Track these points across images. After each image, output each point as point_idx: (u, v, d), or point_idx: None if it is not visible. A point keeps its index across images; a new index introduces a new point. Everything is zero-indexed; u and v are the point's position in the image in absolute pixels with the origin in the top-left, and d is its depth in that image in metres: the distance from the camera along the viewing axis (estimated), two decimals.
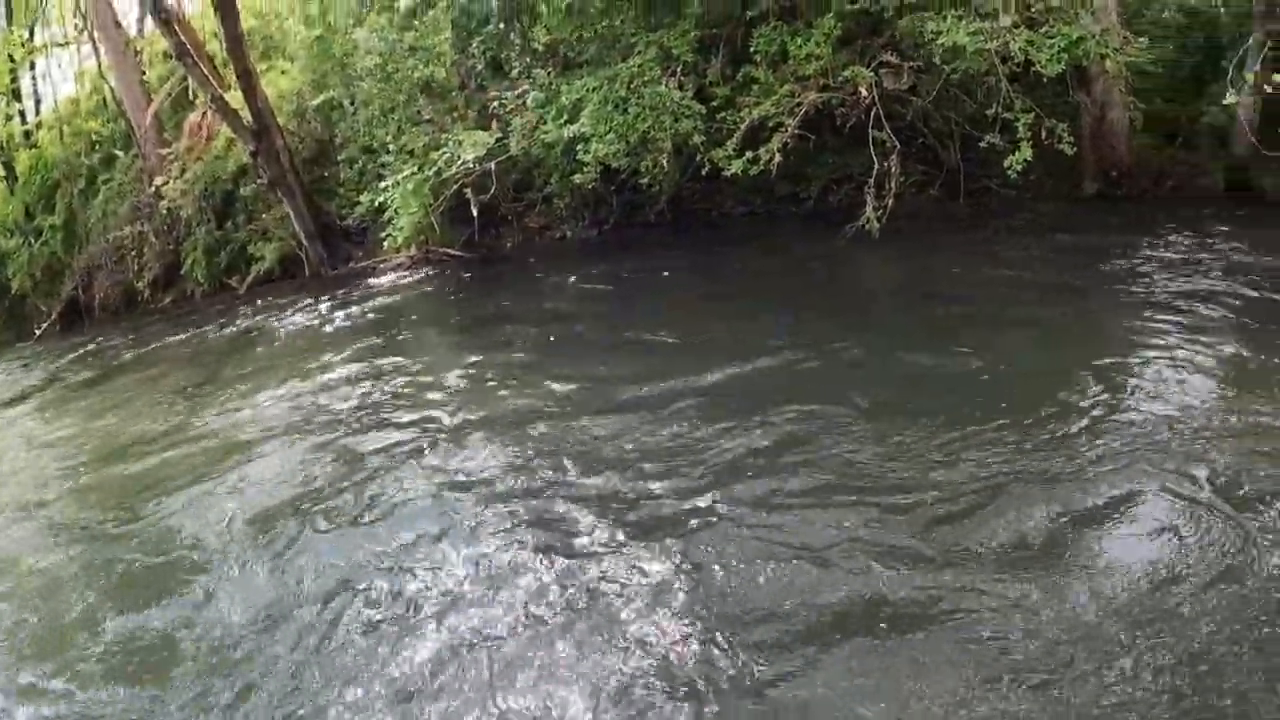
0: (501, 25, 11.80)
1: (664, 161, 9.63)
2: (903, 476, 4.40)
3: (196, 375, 9.48)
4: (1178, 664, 2.97)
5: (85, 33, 18.80)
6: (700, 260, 10.53)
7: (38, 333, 17.36)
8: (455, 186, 11.04)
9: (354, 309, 11.09)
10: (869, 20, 9.34)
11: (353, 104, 13.61)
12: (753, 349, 6.62)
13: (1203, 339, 5.77)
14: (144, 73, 17.70)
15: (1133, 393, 5.07)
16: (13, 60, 19.40)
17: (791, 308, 7.97)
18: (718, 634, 3.45)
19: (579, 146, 9.67)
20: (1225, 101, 8.32)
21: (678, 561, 3.94)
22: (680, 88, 9.59)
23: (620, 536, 4.24)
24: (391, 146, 12.13)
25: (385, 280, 12.64)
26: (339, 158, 14.18)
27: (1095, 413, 4.81)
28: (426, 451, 5.68)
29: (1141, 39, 10.47)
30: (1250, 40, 9.33)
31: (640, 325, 7.91)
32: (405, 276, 12.61)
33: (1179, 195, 10.60)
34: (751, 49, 9.59)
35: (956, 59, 8.93)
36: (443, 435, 5.94)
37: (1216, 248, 8.25)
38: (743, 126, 9.23)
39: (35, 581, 5.05)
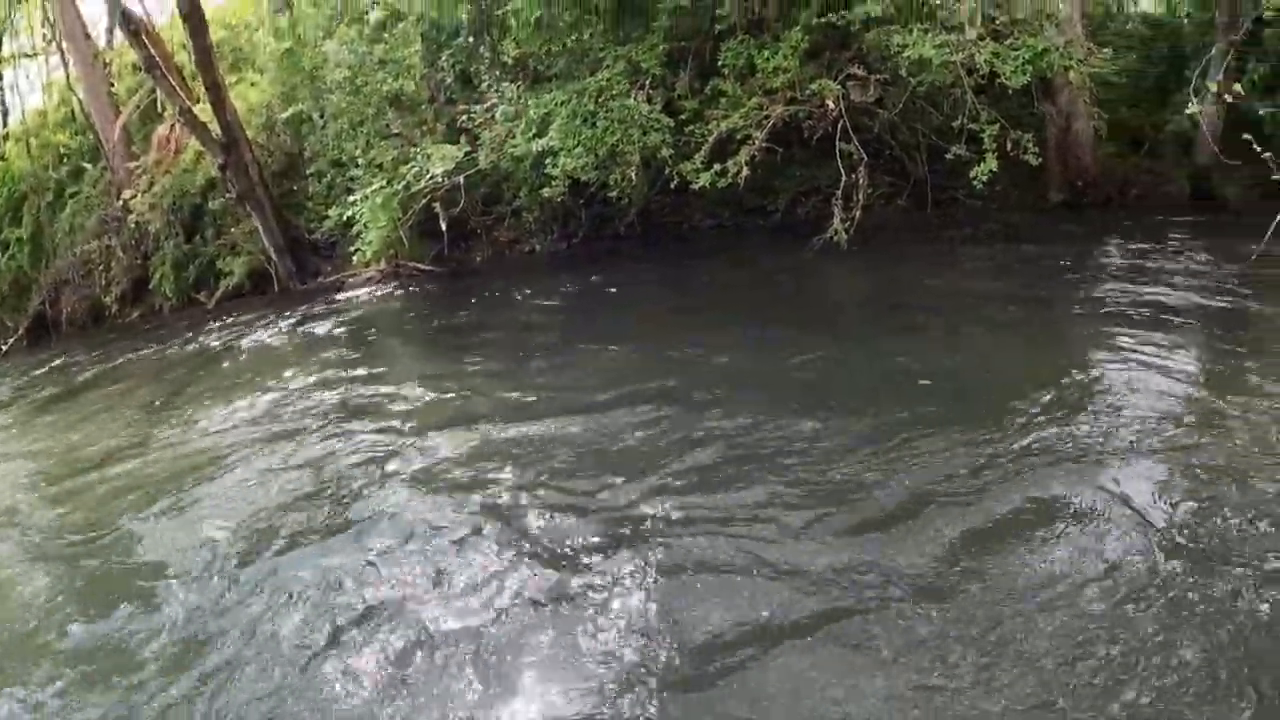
0: (471, 39, 11.81)
1: (632, 175, 9.64)
2: (860, 482, 4.42)
3: (163, 391, 9.35)
4: (1117, 670, 2.99)
5: (54, 43, 18.61)
6: (669, 273, 10.54)
7: (4, 348, 17.07)
8: (424, 200, 11.00)
9: (323, 324, 10.98)
10: (836, 34, 9.38)
11: (322, 117, 13.54)
12: (719, 361, 6.64)
13: (1165, 344, 5.84)
14: (112, 84, 17.53)
15: (1095, 398, 5.10)
16: None
17: (759, 319, 7.98)
18: (672, 634, 3.48)
19: (548, 160, 9.66)
20: (1189, 110, 8.42)
21: (634, 565, 3.97)
22: (649, 101, 9.61)
23: (580, 542, 4.25)
24: (360, 160, 12.07)
25: (354, 295, 12.55)
26: (308, 171, 14.08)
27: (1059, 417, 4.85)
28: (391, 464, 5.65)
29: (1106, 50, 10.61)
30: (1213, 50, 9.46)
31: (608, 338, 7.89)
32: (374, 291, 12.53)
33: (1144, 204, 10.75)
34: (719, 62, 9.63)
35: (923, 71, 9.00)
36: (408, 447, 5.90)
37: (1180, 255, 8.37)
38: (711, 139, 9.26)
39: None
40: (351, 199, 11.25)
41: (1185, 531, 3.68)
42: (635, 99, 9.54)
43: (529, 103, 10.18)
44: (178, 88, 13.90)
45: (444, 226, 11.42)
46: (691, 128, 9.54)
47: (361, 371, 8.31)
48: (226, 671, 3.73)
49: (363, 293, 12.58)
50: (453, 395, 6.96)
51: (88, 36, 17.41)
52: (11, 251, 17.92)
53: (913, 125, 10.71)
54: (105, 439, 7.86)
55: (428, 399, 7.00)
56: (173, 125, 15.49)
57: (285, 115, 14.26)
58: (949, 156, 9.32)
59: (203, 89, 13.79)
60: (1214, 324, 6.33)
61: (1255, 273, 7.13)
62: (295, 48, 13.82)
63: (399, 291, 12.33)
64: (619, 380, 6.48)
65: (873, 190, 9.82)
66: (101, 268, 16.36)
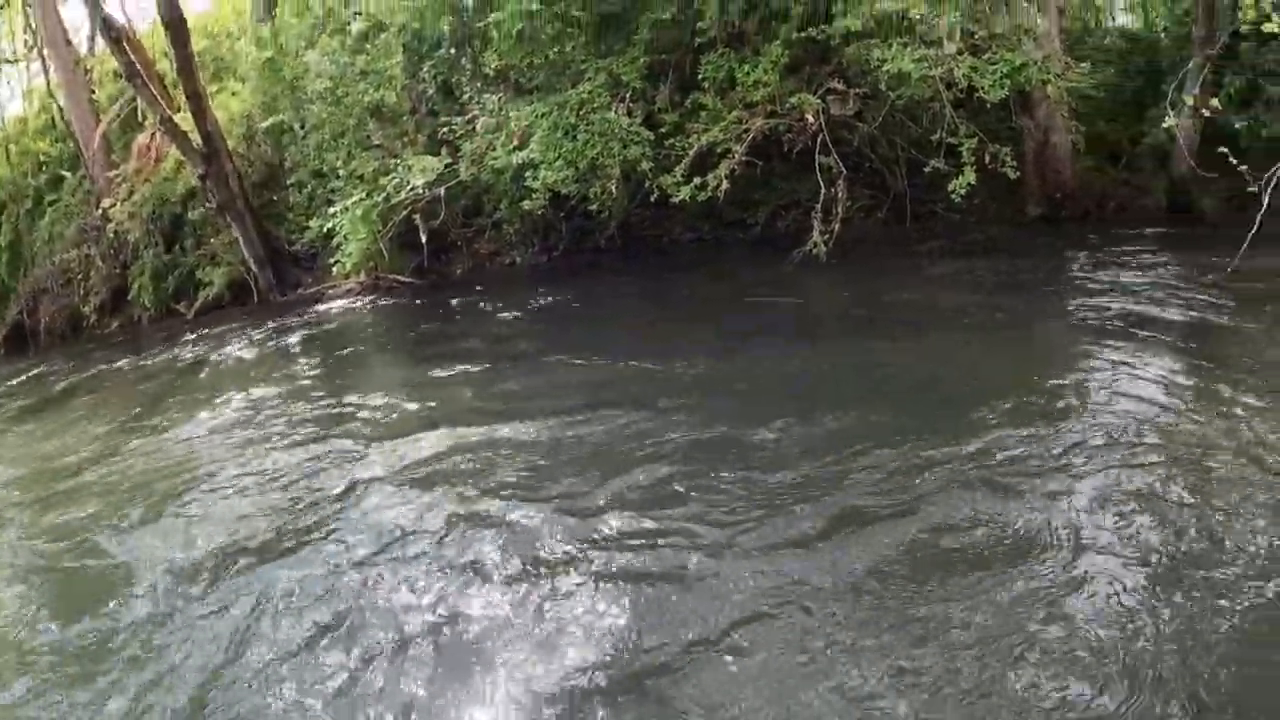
0: (453, 50, 11.81)
1: (613, 188, 9.64)
2: (820, 490, 4.43)
3: (139, 402, 9.25)
4: (1043, 677, 3.01)
5: (35, 49, 18.51)
6: (649, 285, 10.56)
7: None
8: (404, 212, 10.97)
9: (302, 336, 10.93)
10: (816, 48, 9.43)
11: (303, 127, 13.49)
12: (694, 372, 6.67)
13: (1139, 358, 5.86)
14: (93, 92, 17.43)
15: (1067, 412, 5.11)
16: None
17: (737, 333, 7.99)
18: (629, 639, 3.52)
19: (528, 173, 9.65)
20: (1166, 124, 8.49)
21: (595, 571, 4.01)
22: (629, 114, 9.62)
23: (542, 550, 4.27)
24: (341, 171, 12.04)
25: (334, 307, 12.50)
26: (288, 182, 14.02)
27: (1029, 431, 4.86)
28: (361, 473, 5.64)
29: (1083, 64, 10.71)
30: (1190, 64, 9.54)
31: (585, 349, 7.85)
32: (354, 303, 12.48)
33: (1122, 216, 10.84)
34: (700, 76, 9.66)
35: (902, 85, 9.07)
36: (379, 457, 5.88)
37: (1157, 268, 8.42)
38: (691, 153, 9.28)
39: None
40: (332, 210, 11.22)
41: (1143, 545, 3.68)
42: (616, 112, 9.55)
43: (510, 115, 10.17)
44: (159, 96, 13.82)
45: (424, 239, 11.41)
46: (672, 141, 9.56)
47: (338, 383, 8.28)
48: (194, 678, 3.72)
49: (342, 305, 12.53)
50: (426, 406, 6.95)
51: (69, 43, 17.31)
52: None
53: (892, 139, 10.78)
54: (79, 450, 7.77)
55: (402, 410, 6.98)
56: (153, 134, 15.41)
57: (266, 125, 14.19)
58: (928, 170, 9.37)
59: (184, 97, 13.72)
60: (1189, 337, 6.37)
61: (1231, 285, 7.19)
62: (277, 57, 13.79)
63: (379, 303, 12.29)
64: (593, 390, 6.52)
65: (852, 203, 9.87)
66: (80, 277, 16.21)
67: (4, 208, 17.88)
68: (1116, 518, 3.89)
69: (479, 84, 11.32)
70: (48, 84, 18.11)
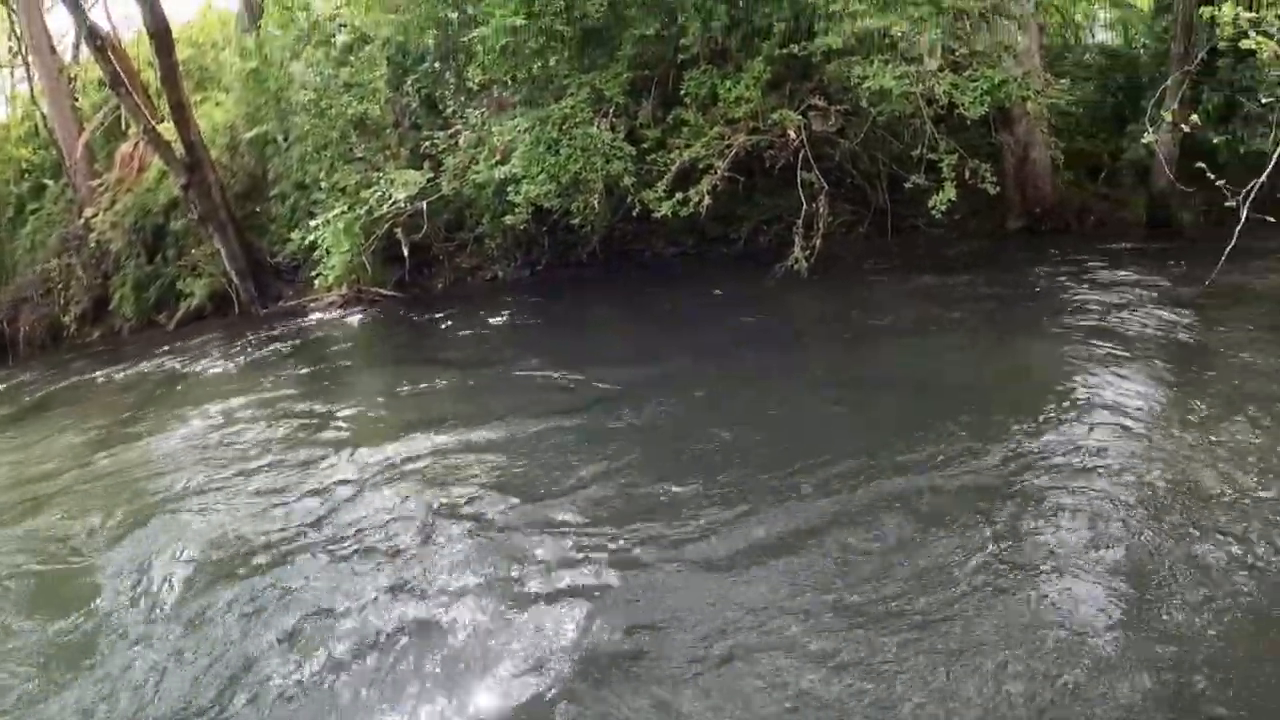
0: (437, 64, 11.81)
1: (595, 202, 9.67)
2: (812, 507, 4.43)
3: (118, 413, 9.21)
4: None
5: (19, 56, 18.43)
6: (631, 301, 10.57)
7: None
8: (387, 226, 10.96)
9: (282, 349, 10.89)
10: (798, 64, 9.45)
11: (286, 139, 13.46)
12: (677, 385, 6.71)
13: (1116, 372, 5.92)
14: (77, 99, 17.37)
15: (1048, 423, 5.16)
16: None
17: (717, 346, 8.02)
18: (595, 639, 3.61)
19: (510, 187, 9.64)
20: (1145, 139, 8.53)
21: (569, 574, 4.08)
22: (612, 129, 9.61)
23: (513, 554, 4.35)
24: (324, 183, 12.01)
25: (315, 320, 12.47)
26: (271, 193, 14.00)
27: (1011, 441, 4.91)
28: (336, 483, 5.67)
29: (1063, 80, 10.81)
30: (1169, 81, 9.61)
31: (566, 365, 7.82)
32: (336, 316, 12.45)
33: (1101, 231, 10.92)
34: (682, 92, 9.67)
35: (883, 102, 9.10)
36: (354, 468, 5.91)
37: (1135, 281, 8.48)
38: (673, 168, 9.29)
39: None
40: (314, 223, 11.18)
41: (1117, 561, 3.71)
42: (598, 127, 9.55)
43: (493, 129, 10.17)
44: (142, 105, 13.81)
45: (406, 252, 11.41)
46: (654, 156, 9.57)
47: (316, 396, 8.27)
48: (158, 685, 3.76)
49: (323, 318, 12.50)
50: (404, 419, 6.96)
51: (54, 50, 17.26)
52: None
53: (873, 154, 10.84)
54: (54, 459, 7.77)
55: (378, 423, 7.02)
56: (136, 143, 15.38)
57: (249, 136, 14.18)
58: (909, 185, 9.40)
59: (167, 107, 13.69)
60: (1165, 352, 6.41)
61: (1207, 300, 7.28)
62: (261, 68, 13.76)
63: (360, 317, 12.26)
64: (571, 404, 6.61)
65: (833, 219, 9.91)
66: (61, 286, 16.18)
67: None
68: (1088, 532, 3.92)
69: (463, 98, 11.30)
70: (31, 91, 18.07)
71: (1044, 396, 5.59)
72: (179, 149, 13.36)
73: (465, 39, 10.72)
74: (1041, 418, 5.24)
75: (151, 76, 15.15)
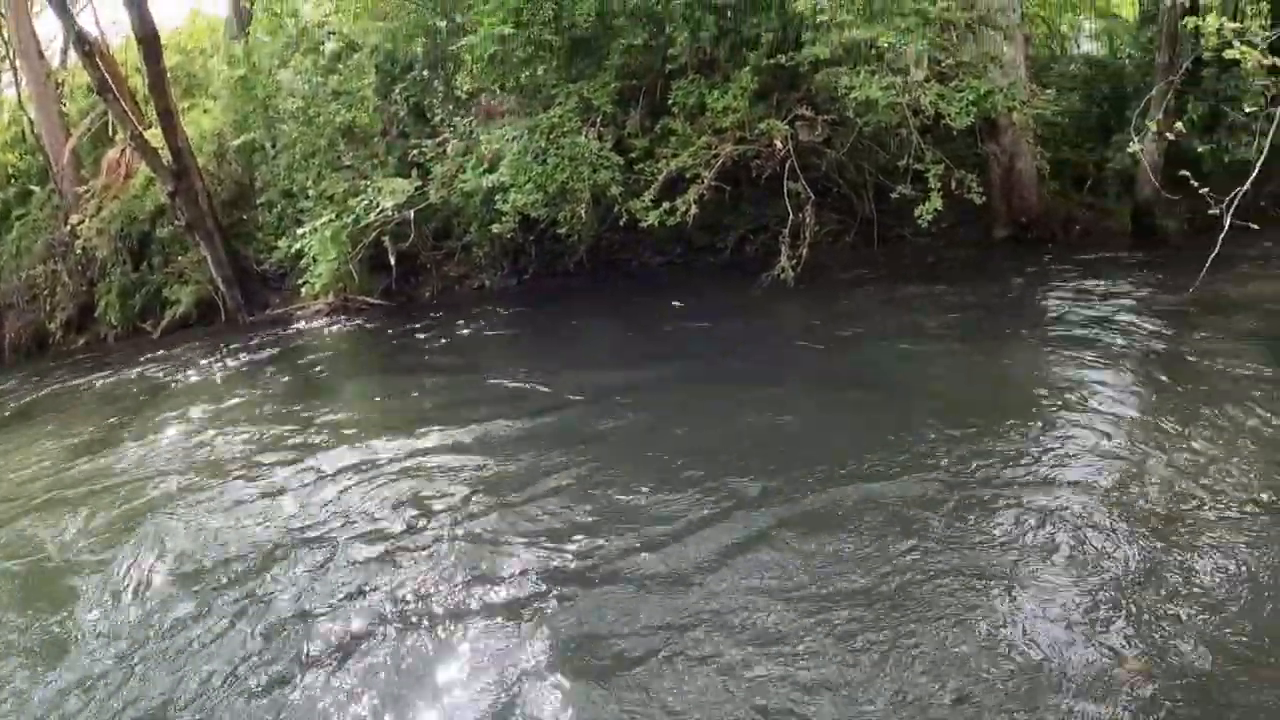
0: (425, 72, 11.80)
1: (582, 212, 9.66)
2: (784, 513, 4.45)
3: (100, 421, 9.17)
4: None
5: (7, 60, 18.34)
6: (618, 310, 10.58)
7: None
8: (374, 234, 10.95)
9: (267, 357, 10.87)
10: (785, 75, 9.49)
11: (274, 146, 13.44)
12: (658, 395, 6.74)
13: (1101, 378, 5.96)
14: (64, 105, 17.30)
15: (1030, 432, 5.18)
16: None
17: (702, 355, 8.05)
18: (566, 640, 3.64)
19: (498, 196, 9.63)
20: (1130, 149, 8.58)
21: (544, 578, 4.10)
22: (599, 138, 9.64)
23: (490, 560, 4.38)
24: (311, 191, 12.01)
25: (301, 328, 12.44)
26: (258, 201, 13.96)
27: (989, 450, 4.92)
28: (316, 492, 5.67)
29: (1049, 91, 10.86)
30: (1154, 90, 9.67)
31: (550, 375, 7.86)
32: (322, 325, 12.42)
33: (1087, 240, 10.97)
34: (670, 101, 9.70)
35: (869, 112, 9.14)
36: (336, 477, 5.91)
37: (1120, 289, 8.54)
38: (660, 177, 9.32)
39: None
40: (301, 231, 11.18)
41: (1096, 571, 3.70)
42: (586, 136, 9.57)
43: (480, 138, 10.17)
44: (130, 111, 13.75)
45: (393, 261, 11.39)
46: (641, 166, 9.59)
47: (297, 406, 8.25)
48: (141, 686, 3.78)
49: (310, 326, 12.48)
50: (384, 428, 6.97)
51: (42, 55, 17.18)
52: None
53: (860, 164, 10.88)
54: (34, 466, 7.75)
55: (359, 432, 6.99)
56: (123, 150, 15.32)
57: (237, 143, 14.15)
58: (895, 195, 9.46)
59: (155, 113, 13.65)
60: (1147, 360, 6.44)
61: (1191, 308, 7.31)
62: (250, 75, 13.72)
63: (347, 325, 12.24)
64: (555, 412, 6.64)
65: (820, 228, 9.93)
66: (47, 293, 16.12)
67: None
68: (1061, 542, 3.91)
69: (451, 106, 11.30)
70: (19, 96, 17.95)
71: (1024, 406, 5.62)
72: (166, 156, 13.32)
73: (454, 48, 10.76)
74: (1021, 427, 5.26)
75: (139, 82, 15.09)
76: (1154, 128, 8.75)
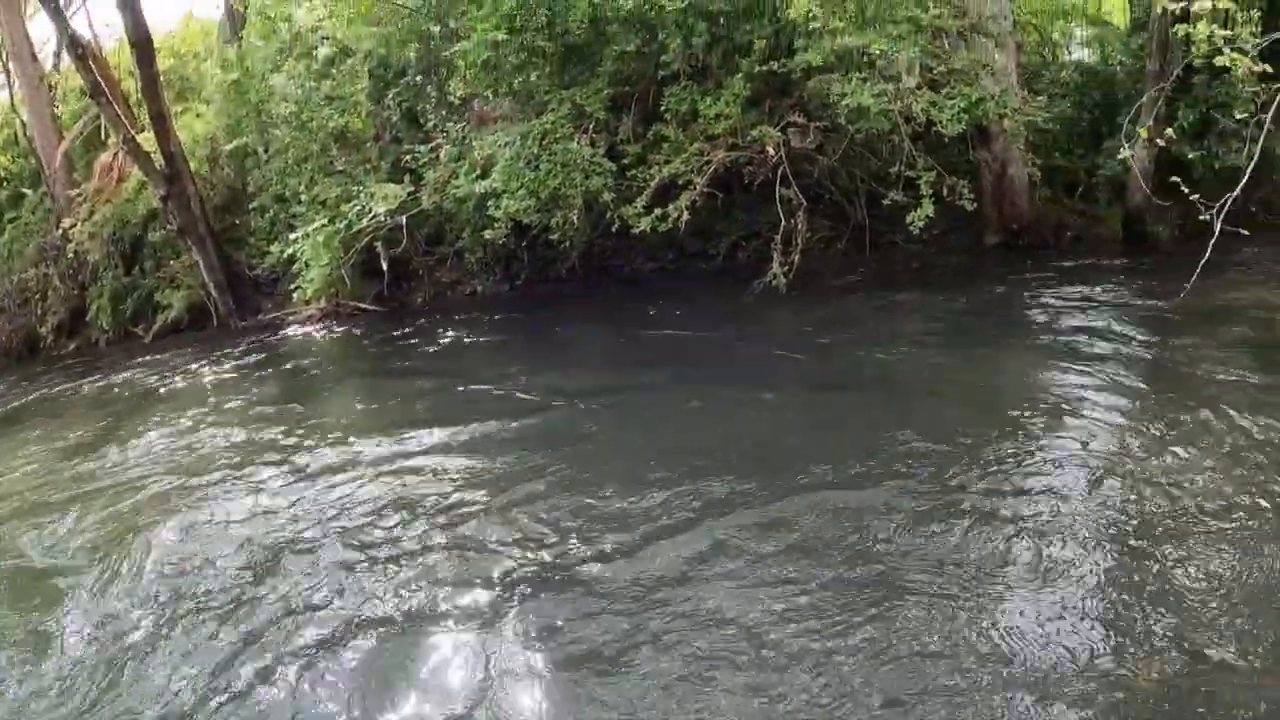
0: (418, 78, 11.79)
1: (574, 218, 9.66)
2: (774, 522, 4.46)
3: (89, 426, 9.11)
4: None
5: (0, 63, 18.28)
6: (610, 316, 10.58)
7: None
8: (366, 239, 10.93)
9: (258, 363, 10.85)
10: (777, 81, 9.49)
11: (267, 151, 13.41)
12: (648, 401, 6.80)
13: (1089, 383, 6.01)
14: (57, 108, 17.24)
15: (1020, 439, 5.21)
16: None
17: (693, 362, 8.07)
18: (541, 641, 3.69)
19: (490, 202, 9.63)
20: (1120, 155, 8.61)
21: (528, 593, 4.11)
22: (592, 145, 9.62)
23: (469, 566, 4.42)
24: (304, 196, 11.97)
25: (293, 333, 12.42)
26: (251, 206, 13.89)
27: (974, 455, 4.95)
28: (299, 499, 5.69)
29: (1040, 98, 10.88)
30: (1144, 97, 9.70)
31: (539, 381, 7.87)
32: (313, 330, 12.39)
33: (1078, 246, 11.04)
34: (662, 108, 9.71)
35: (861, 119, 9.13)
36: (320, 484, 5.94)
37: (1111, 295, 8.62)
38: (653, 184, 9.32)
39: None
40: (294, 236, 11.16)
41: (1084, 575, 3.74)
42: (578, 142, 9.56)
43: (473, 143, 10.16)
44: (123, 115, 13.70)
45: (385, 266, 11.37)
46: (634, 172, 9.59)
47: (287, 412, 8.27)
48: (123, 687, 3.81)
49: (301, 331, 12.45)
50: (371, 433, 6.97)
51: (35, 58, 17.11)
52: None
53: (852, 171, 10.90)
54: (19, 470, 7.74)
55: (346, 438, 6.99)
56: (116, 153, 15.25)
57: (230, 148, 14.11)
58: (887, 202, 9.47)
59: (147, 117, 13.60)
60: (1137, 365, 6.52)
61: (1181, 313, 7.37)
62: (243, 80, 13.69)
63: (338, 331, 12.21)
64: (539, 416, 6.73)
65: (812, 235, 9.93)
66: (38, 297, 16.00)
67: None
68: (1045, 548, 3.94)
69: (444, 112, 11.29)
70: (11, 98, 17.87)
71: (1012, 412, 5.65)
72: (158, 160, 13.27)
73: (447, 53, 10.75)
74: (1007, 434, 5.29)
75: (132, 86, 15.02)
76: (1144, 134, 8.78)
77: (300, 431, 7.32)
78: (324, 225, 10.78)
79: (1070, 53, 14.43)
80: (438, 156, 10.63)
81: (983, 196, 10.47)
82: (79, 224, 14.90)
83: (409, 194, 10.60)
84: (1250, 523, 3.99)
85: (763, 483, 4.85)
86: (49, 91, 17.09)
